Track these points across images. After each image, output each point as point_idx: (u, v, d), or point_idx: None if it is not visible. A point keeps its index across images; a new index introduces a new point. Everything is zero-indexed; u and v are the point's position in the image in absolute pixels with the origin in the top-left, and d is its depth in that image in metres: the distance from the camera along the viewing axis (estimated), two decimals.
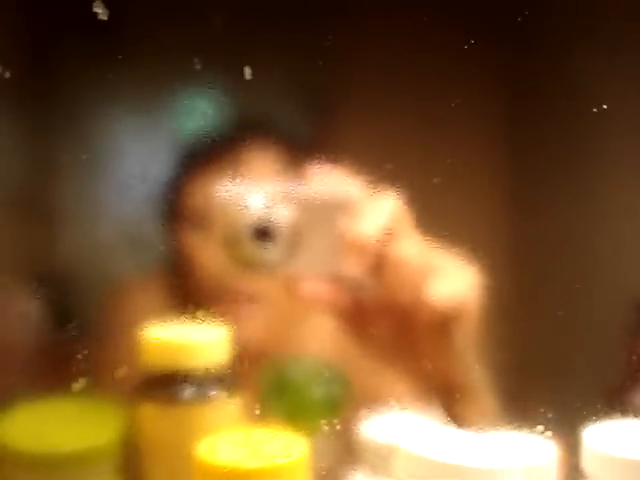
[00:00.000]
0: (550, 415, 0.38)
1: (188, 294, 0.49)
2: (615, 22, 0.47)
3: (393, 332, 0.46)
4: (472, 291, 0.45)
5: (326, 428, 0.45)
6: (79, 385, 0.38)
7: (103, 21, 0.44)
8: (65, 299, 0.48)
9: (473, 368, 0.46)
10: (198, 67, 0.43)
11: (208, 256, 0.49)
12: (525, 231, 0.50)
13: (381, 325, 0.46)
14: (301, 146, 0.50)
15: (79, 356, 0.39)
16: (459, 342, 0.45)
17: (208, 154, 0.49)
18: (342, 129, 0.50)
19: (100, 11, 0.38)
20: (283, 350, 0.51)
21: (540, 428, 0.34)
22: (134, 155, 0.49)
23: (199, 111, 0.48)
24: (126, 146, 0.49)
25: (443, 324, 0.44)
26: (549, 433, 0.34)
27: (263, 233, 0.43)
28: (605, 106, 0.41)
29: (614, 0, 0.46)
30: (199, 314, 0.44)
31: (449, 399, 0.45)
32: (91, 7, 0.40)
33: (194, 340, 0.43)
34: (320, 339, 0.51)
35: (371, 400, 0.46)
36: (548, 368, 0.47)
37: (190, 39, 0.45)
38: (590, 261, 0.48)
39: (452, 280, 0.44)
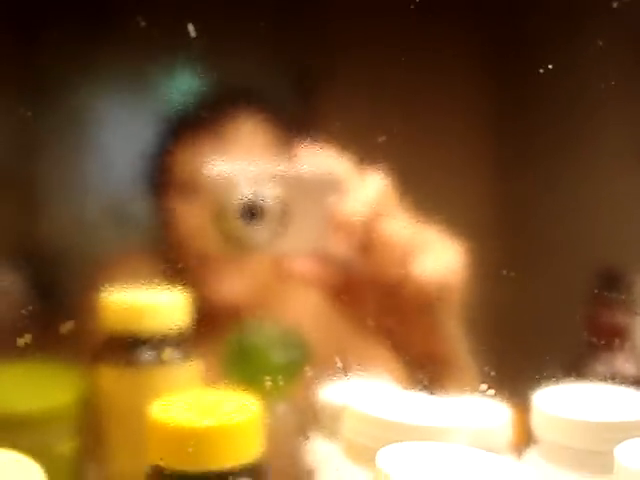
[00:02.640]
0: (493, 374, 0.39)
1: (172, 267, 0.49)
2: None
3: (379, 307, 0.47)
4: (456, 267, 0.45)
5: (286, 392, 0.45)
6: (23, 340, 0.38)
7: None
8: (49, 273, 0.48)
9: (456, 340, 0.46)
10: (184, 40, 0.42)
11: (195, 231, 0.49)
12: (509, 204, 0.50)
13: (368, 301, 0.46)
14: (289, 124, 0.50)
15: (23, 312, 0.39)
16: (443, 316, 0.46)
17: (195, 129, 0.48)
18: (329, 107, 0.50)
19: None
20: (259, 317, 0.51)
21: (484, 387, 0.35)
22: (119, 129, 0.49)
23: (185, 85, 0.48)
24: (111, 120, 0.49)
25: (428, 299, 0.45)
26: (492, 392, 0.34)
27: (251, 211, 0.43)
28: (550, 66, 0.41)
29: None
30: (172, 280, 0.44)
31: (432, 370, 0.46)
32: None
33: (153, 303, 0.43)
34: (301, 311, 0.51)
35: (337, 365, 0.46)
36: (504, 330, 0.48)
37: (173, 12, 0.45)
38: (559, 228, 0.49)
39: (437, 256, 0.45)
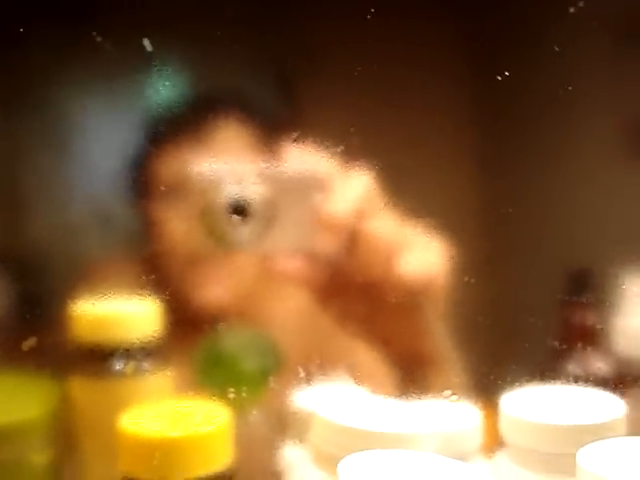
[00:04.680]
0: (458, 380, 0.39)
1: (158, 270, 0.49)
2: None
3: (364, 306, 0.47)
4: (441, 265, 0.46)
5: (258, 399, 0.45)
6: None
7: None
8: (34, 279, 0.47)
9: (441, 339, 0.47)
10: (165, 42, 0.42)
11: (180, 233, 0.49)
12: (493, 202, 0.51)
13: (353, 299, 0.47)
14: (274, 123, 0.50)
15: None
16: (428, 314, 0.46)
17: (178, 131, 0.48)
18: (313, 106, 0.50)
19: None
20: (239, 321, 0.51)
21: (448, 393, 0.35)
22: (101, 133, 0.49)
23: (167, 88, 0.47)
24: (93, 124, 0.48)
25: (413, 297, 0.45)
26: (455, 397, 0.34)
27: (237, 209, 0.43)
28: (507, 73, 0.42)
29: None
30: (155, 284, 0.44)
31: (417, 370, 0.46)
32: None
33: (123, 313, 0.43)
34: (285, 313, 0.52)
35: (309, 372, 0.46)
36: (473, 332, 0.48)
37: (152, 14, 0.45)
38: (529, 229, 0.49)
39: (421, 255, 0.45)
